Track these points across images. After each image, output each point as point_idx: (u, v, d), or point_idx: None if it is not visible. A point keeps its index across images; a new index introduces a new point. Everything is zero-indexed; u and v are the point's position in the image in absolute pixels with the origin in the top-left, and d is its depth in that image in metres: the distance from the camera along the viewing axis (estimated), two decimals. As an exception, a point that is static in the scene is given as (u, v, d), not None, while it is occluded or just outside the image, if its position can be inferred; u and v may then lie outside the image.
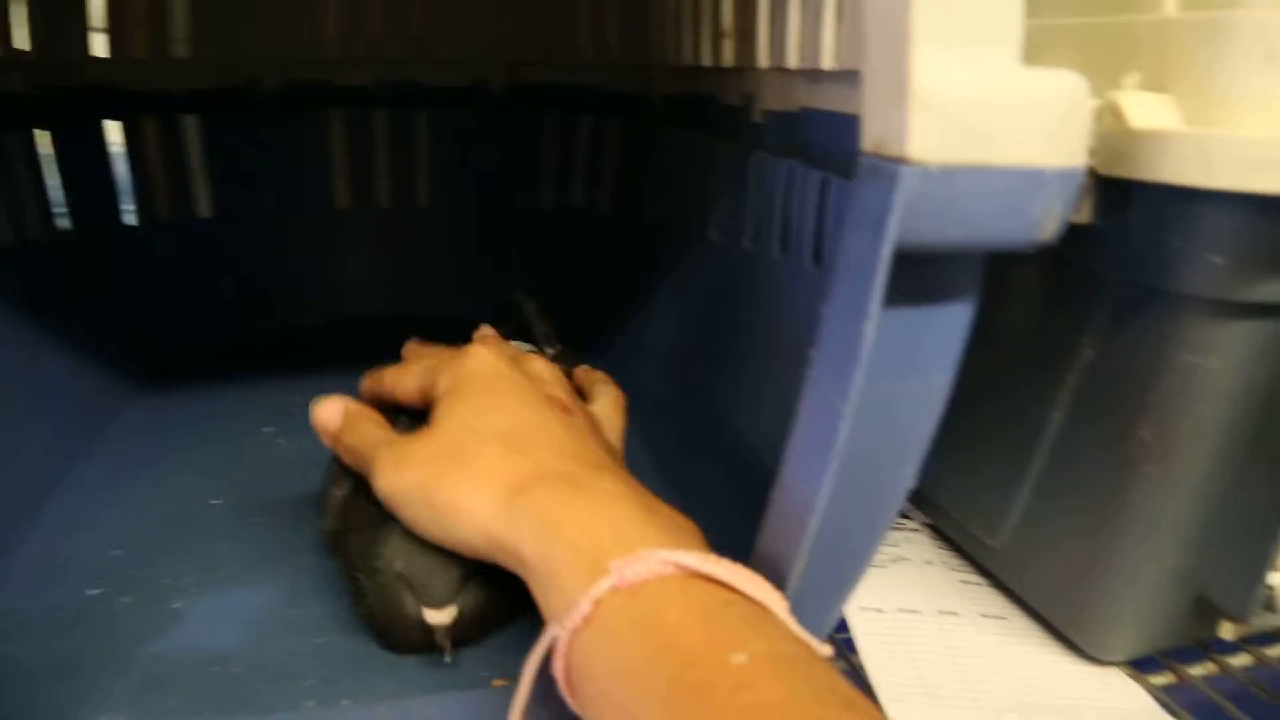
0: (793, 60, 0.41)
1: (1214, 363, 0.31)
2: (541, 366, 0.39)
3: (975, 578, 0.44)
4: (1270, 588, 0.35)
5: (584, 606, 0.24)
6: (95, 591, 0.41)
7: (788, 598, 0.25)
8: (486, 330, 0.47)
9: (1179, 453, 0.33)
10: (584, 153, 0.78)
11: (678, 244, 0.59)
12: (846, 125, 0.37)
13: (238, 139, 0.72)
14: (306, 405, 0.61)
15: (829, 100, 0.39)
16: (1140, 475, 0.33)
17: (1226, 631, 0.37)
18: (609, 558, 0.25)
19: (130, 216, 0.68)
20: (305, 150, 0.76)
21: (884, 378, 0.24)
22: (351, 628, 0.38)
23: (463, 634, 0.35)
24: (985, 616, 0.41)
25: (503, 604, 0.36)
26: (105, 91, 0.64)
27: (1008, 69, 0.22)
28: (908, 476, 0.27)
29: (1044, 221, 0.23)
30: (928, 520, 0.48)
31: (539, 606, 0.27)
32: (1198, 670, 0.39)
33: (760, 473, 0.37)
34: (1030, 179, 0.22)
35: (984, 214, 0.22)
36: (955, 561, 0.45)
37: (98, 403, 0.59)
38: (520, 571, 0.29)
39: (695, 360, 0.51)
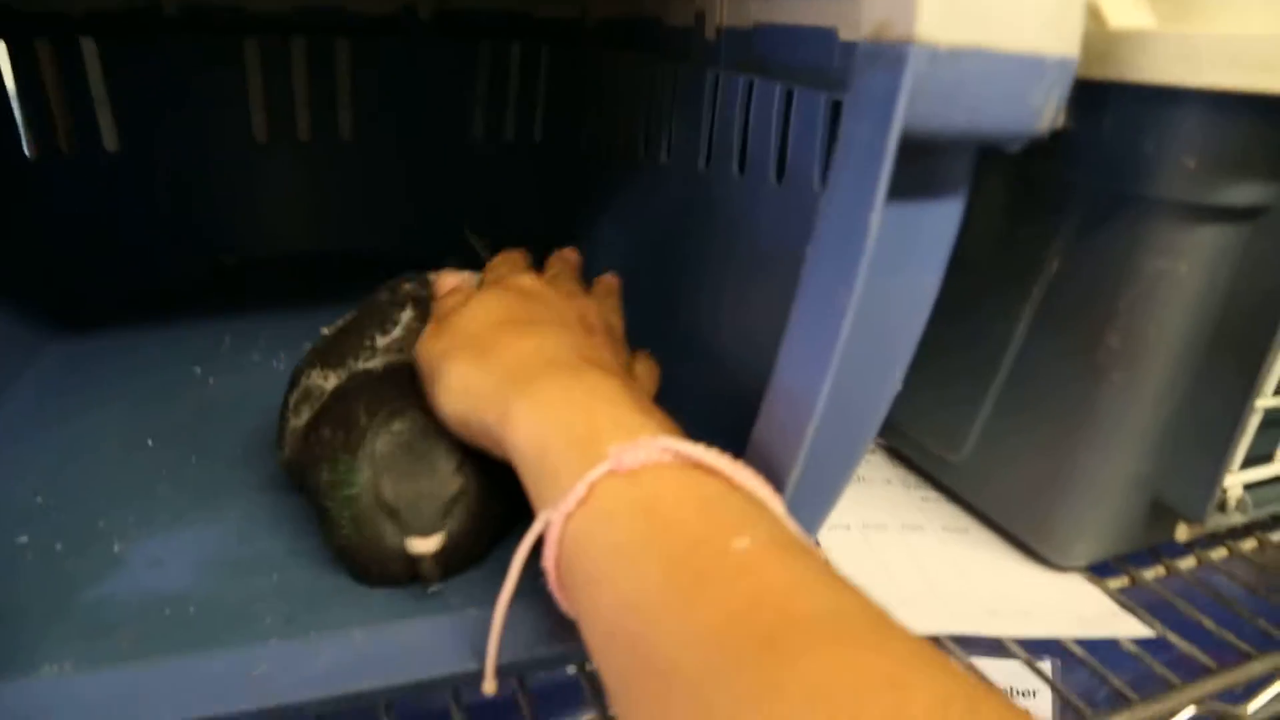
0: (753, -31, 0.40)
1: (1182, 267, 0.31)
2: (592, 303, 0.38)
3: (934, 494, 0.45)
4: (1224, 489, 0.36)
5: (579, 489, 0.23)
6: (23, 539, 0.38)
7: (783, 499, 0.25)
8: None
9: (1145, 358, 0.33)
10: (516, 82, 0.75)
11: (622, 169, 0.57)
12: (807, 37, 0.37)
13: (143, 67, 0.67)
14: (235, 344, 0.59)
15: (787, 14, 0.38)
16: (1107, 383, 0.34)
17: (1182, 533, 0.38)
18: (605, 443, 0.24)
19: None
20: (218, 81, 0.71)
21: (877, 275, 0.23)
22: (311, 564, 0.36)
23: (444, 565, 0.33)
24: (948, 530, 0.41)
25: (485, 533, 0.35)
26: (-5, 10, 0.59)
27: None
28: (896, 380, 0.27)
29: (1043, 111, 0.23)
30: (884, 441, 0.48)
31: (530, 495, 0.27)
32: (1149, 574, 0.40)
33: (729, 387, 0.37)
34: (1031, 65, 0.22)
35: (987, 99, 0.22)
36: (913, 480, 0.46)
37: (10, 349, 0.55)
38: (512, 457, 0.28)
39: (648, 284, 0.50)
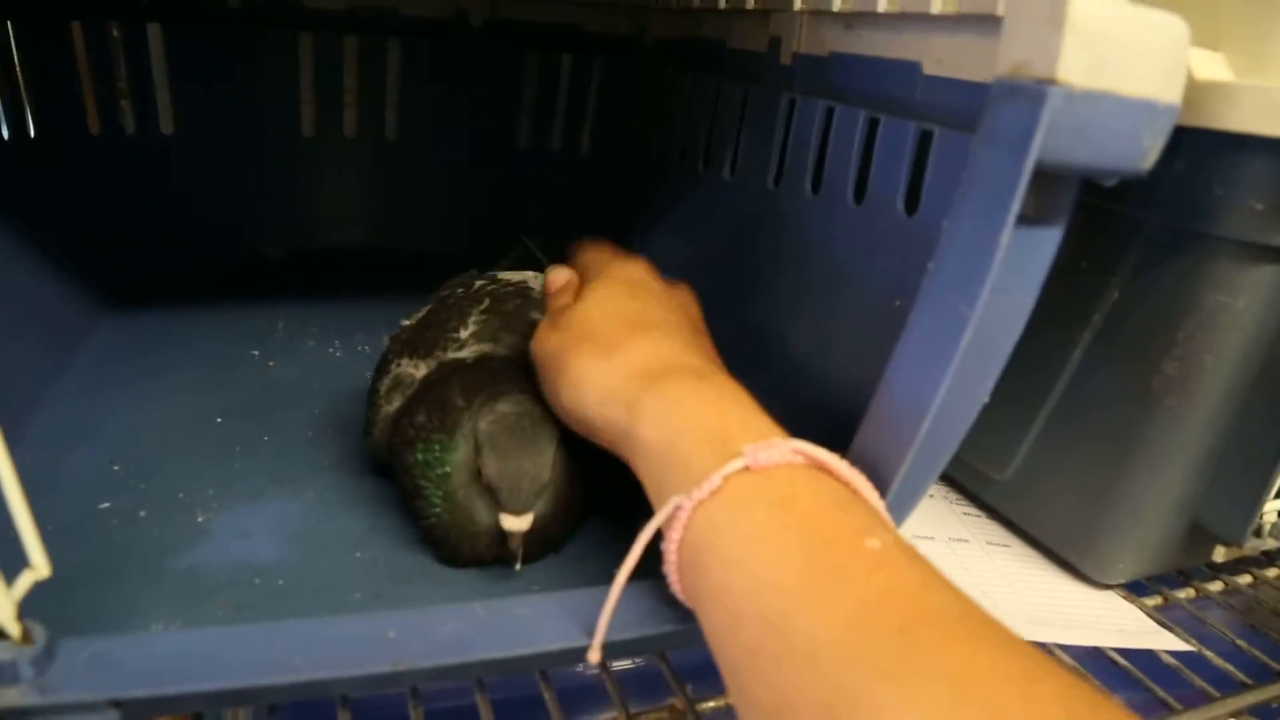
0: (838, 3, 0.42)
1: (1240, 302, 0.34)
2: (685, 292, 0.39)
3: (974, 510, 0.46)
4: (1262, 515, 0.38)
5: (715, 480, 0.25)
6: (106, 505, 0.39)
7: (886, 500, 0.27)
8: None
9: (1199, 386, 0.35)
10: (565, 93, 0.77)
11: (680, 183, 0.59)
12: (889, 69, 0.39)
13: (202, 55, 0.69)
14: (289, 331, 0.60)
15: (867, 46, 0.41)
16: (1161, 408, 0.36)
17: (1219, 555, 0.40)
18: (737, 441, 0.26)
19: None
20: (270, 73, 0.73)
21: (992, 294, 0.25)
22: (391, 543, 0.38)
23: (529, 548, 0.35)
24: (991, 544, 0.43)
25: (564, 521, 0.37)
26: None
27: (1134, 10, 0.24)
28: (985, 393, 0.28)
29: (1150, 151, 0.25)
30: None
31: (649, 485, 0.28)
32: (1181, 594, 0.42)
33: (801, 394, 0.39)
34: (1148, 110, 0.24)
35: (1108, 138, 0.24)
36: (954, 496, 0.48)
37: (67, 322, 0.56)
38: (628, 453, 0.29)
39: (709, 294, 0.52)
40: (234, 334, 0.58)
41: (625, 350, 0.31)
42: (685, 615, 0.28)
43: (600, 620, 0.27)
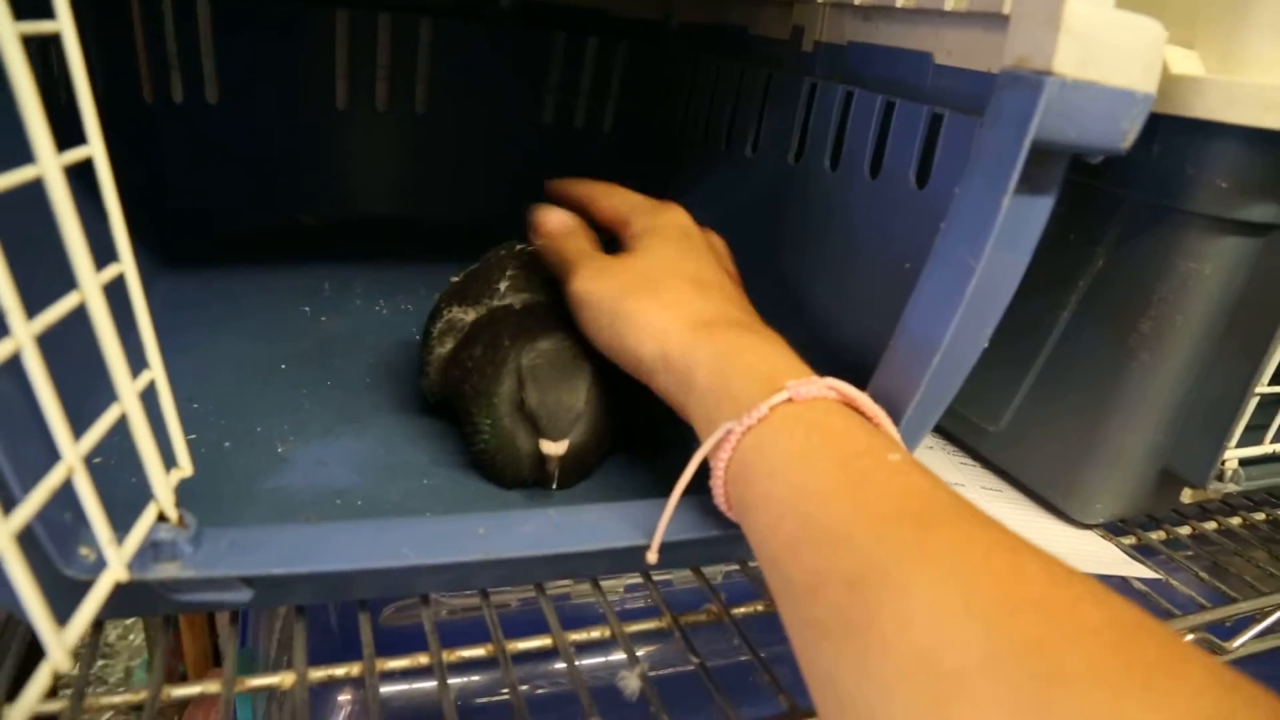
0: (859, -3, 0.46)
1: (1207, 269, 0.39)
2: (717, 239, 0.43)
3: (969, 460, 0.51)
4: (1224, 462, 0.43)
5: (763, 409, 0.29)
6: (193, 436, 0.44)
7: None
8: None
9: (1170, 343, 0.40)
10: (590, 74, 0.81)
11: (702, 160, 0.64)
12: (904, 58, 0.43)
13: (246, 27, 0.72)
14: (336, 289, 0.65)
15: (884, 36, 0.45)
16: (1136, 362, 0.41)
17: (1186, 497, 0.45)
18: (782, 379, 0.30)
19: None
20: (308, 47, 0.77)
21: (993, 250, 0.30)
22: (452, 471, 0.43)
23: (564, 472, 0.40)
24: (985, 489, 0.48)
25: (597, 451, 0.41)
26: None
27: (1118, 13, 0.28)
28: (985, 338, 0.33)
29: (1128, 134, 0.30)
30: (923, 414, 0.55)
31: (698, 420, 0.33)
32: (1154, 535, 0.48)
33: (820, 352, 0.43)
34: (1126, 98, 0.29)
35: (1092, 121, 0.28)
36: (951, 448, 0.53)
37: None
38: (681, 390, 0.34)
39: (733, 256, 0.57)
40: (284, 292, 0.62)
41: (685, 303, 0.36)
42: (726, 525, 0.33)
43: (660, 523, 0.32)
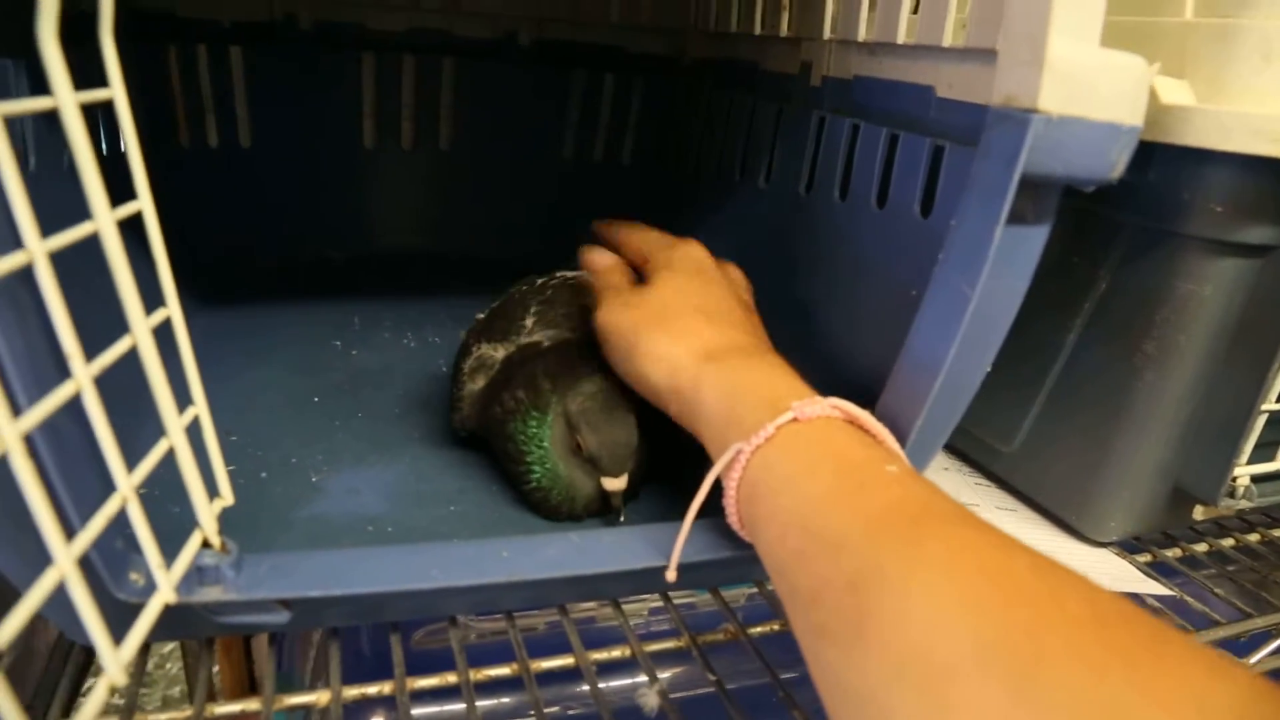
0: (862, 35, 0.48)
1: (1208, 290, 0.40)
2: (735, 271, 0.45)
3: (984, 480, 0.52)
4: (1234, 478, 0.44)
5: (769, 429, 0.31)
6: (232, 468, 0.46)
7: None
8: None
9: (1174, 363, 0.41)
10: (608, 109, 0.83)
11: (716, 191, 0.65)
12: (907, 91, 0.45)
13: (275, 73, 0.76)
14: (365, 323, 0.67)
15: (889, 71, 0.47)
16: (1142, 382, 0.42)
17: (1198, 514, 0.46)
18: (784, 401, 0.32)
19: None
20: (336, 90, 0.80)
21: (990, 278, 0.31)
22: (480, 499, 0.44)
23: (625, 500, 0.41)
24: (999, 508, 0.49)
25: (641, 476, 0.43)
26: (164, 17, 0.68)
27: (1101, 51, 0.30)
28: (988, 362, 0.34)
29: (1116, 164, 0.31)
30: (939, 435, 0.56)
31: (709, 444, 0.34)
32: (1170, 553, 0.48)
33: (830, 379, 0.45)
34: (1112, 131, 0.30)
35: (1079, 154, 0.30)
36: (966, 468, 0.54)
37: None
38: (692, 417, 0.35)
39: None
40: (315, 326, 0.65)
41: (694, 334, 0.37)
42: (741, 546, 0.34)
43: (677, 543, 0.33)
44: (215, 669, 0.96)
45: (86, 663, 0.35)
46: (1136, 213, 0.41)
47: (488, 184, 0.86)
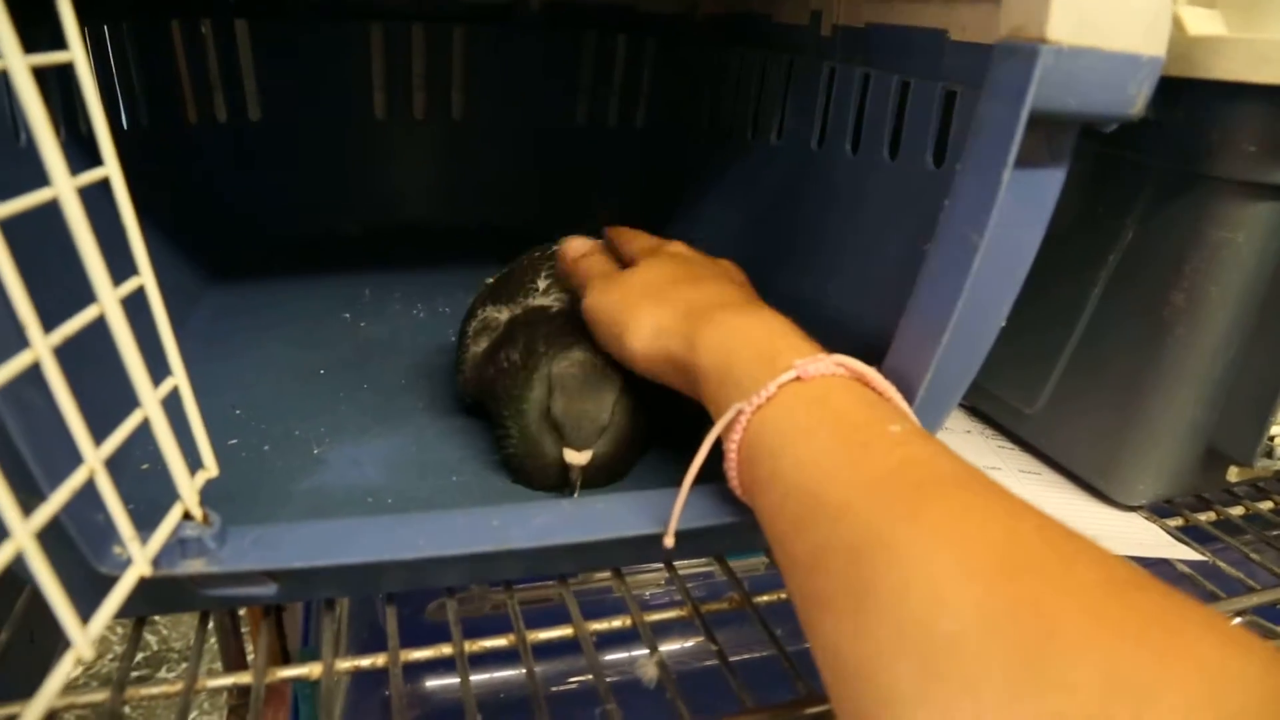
0: (873, -24, 0.46)
1: (1240, 237, 0.37)
2: (729, 264, 0.44)
3: (1008, 443, 0.50)
4: (1271, 437, 0.41)
5: (770, 388, 0.29)
6: (234, 441, 0.45)
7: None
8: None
9: (1206, 315, 0.39)
10: (620, 72, 0.81)
11: (729, 151, 0.63)
12: (919, 36, 0.43)
13: (284, 47, 0.75)
14: (376, 294, 0.66)
15: (899, 16, 0.44)
16: (1171, 337, 0.40)
17: (1232, 475, 0.44)
18: (784, 358, 0.30)
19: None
20: (345, 62, 0.79)
21: (999, 226, 0.29)
22: (480, 469, 0.43)
23: (590, 479, 0.40)
24: (1023, 472, 0.47)
25: (627, 458, 0.41)
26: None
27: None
28: (1002, 315, 0.33)
29: (1136, 99, 0.29)
30: (963, 399, 0.54)
31: (709, 405, 0.33)
32: (1203, 516, 0.46)
33: (840, 334, 0.43)
34: (1130, 62, 0.28)
35: (1095, 88, 0.28)
36: (989, 431, 0.52)
37: (179, 292, 0.62)
38: (691, 382, 0.34)
39: (758, 248, 0.57)
40: (325, 300, 0.64)
41: (678, 300, 0.36)
42: (741, 511, 0.33)
43: (675, 507, 0.32)
44: (239, 644, 0.97)
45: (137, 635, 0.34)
46: (1163, 156, 0.39)
47: (501, 153, 0.84)
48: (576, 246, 0.47)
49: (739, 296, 0.37)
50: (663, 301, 0.36)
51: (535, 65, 0.81)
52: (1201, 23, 0.35)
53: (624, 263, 0.46)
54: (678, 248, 0.43)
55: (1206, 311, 0.39)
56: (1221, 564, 0.42)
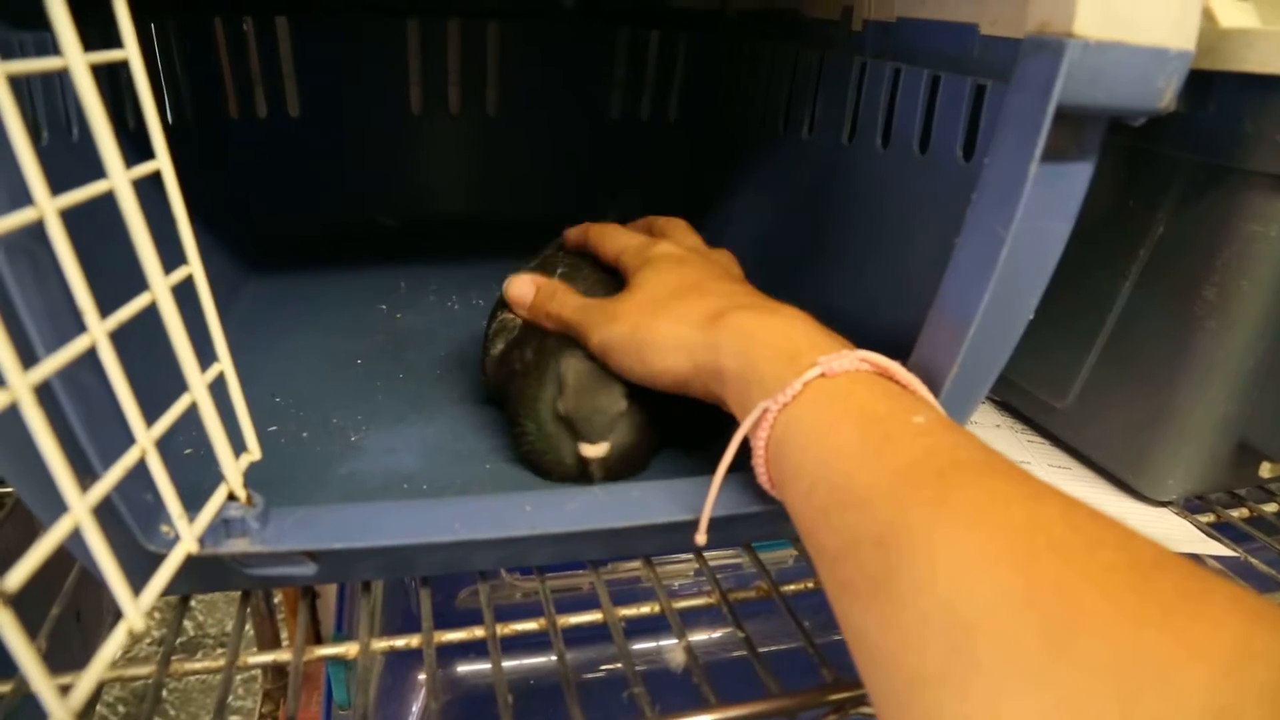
0: (904, -28, 0.46)
1: (1273, 231, 0.37)
2: (722, 254, 0.44)
3: (1038, 438, 0.50)
4: (1303, 431, 0.41)
5: (796, 386, 0.30)
6: (274, 428, 0.47)
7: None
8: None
9: (1238, 309, 0.39)
10: (653, 67, 0.82)
11: (761, 145, 0.64)
12: (950, 30, 0.43)
13: (323, 44, 0.76)
14: (410, 288, 0.67)
15: (930, 10, 0.45)
16: (1202, 330, 0.40)
17: (1265, 471, 0.43)
18: (807, 356, 0.31)
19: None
20: (381, 57, 0.80)
21: (1027, 219, 0.30)
22: (512, 459, 0.44)
23: (610, 471, 0.40)
24: (1053, 466, 0.47)
25: (643, 450, 0.42)
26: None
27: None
28: (1030, 308, 0.33)
29: (1165, 92, 0.29)
30: (992, 393, 0.54)
31: (734, 406, 0.33)
32: (1235, 512, 0.46)
33: (871, 327, 0.43)
34: (1158, 56, 0.28)
35: (1122, 83, 0.28)
36: (1019, 425, 0.52)
37: (220, 284, 0.64)
38: (716, 386, 0.35)
39: (789, 244, 0.57)
40: (362, 290, 0.66)
41: (692, 309, 0.36)
42: (768, 501, 0.34)
43: (707, 504, 0.33)
44: (274, 626, 0.99)
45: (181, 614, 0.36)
46: (1195, 149, 0.38)
47: (535, 147, 0.85)
48: (519, 291, 0.45)
49: (746, 295, 0.37)
50: (676, 316, 0.37)
51: (569, 61, 0.82)
52: (1233, 15, 0.35)
53: (606, 261, 0.46)
54: (666, 248, 0.42)
55: (1238, 305, 0.39)
56: (1254, 561, 0.42)
